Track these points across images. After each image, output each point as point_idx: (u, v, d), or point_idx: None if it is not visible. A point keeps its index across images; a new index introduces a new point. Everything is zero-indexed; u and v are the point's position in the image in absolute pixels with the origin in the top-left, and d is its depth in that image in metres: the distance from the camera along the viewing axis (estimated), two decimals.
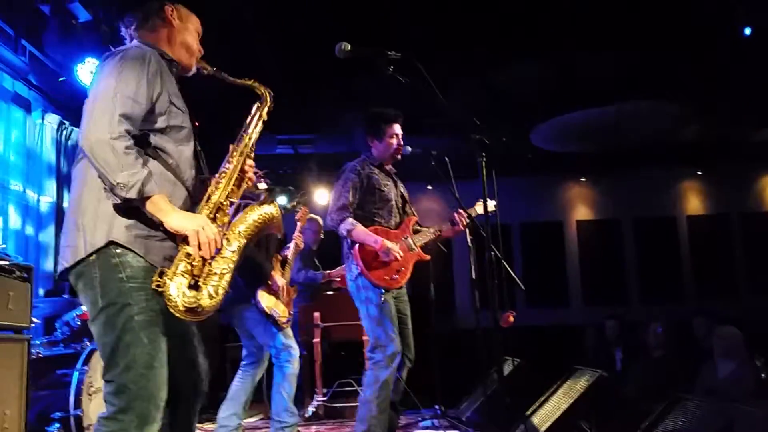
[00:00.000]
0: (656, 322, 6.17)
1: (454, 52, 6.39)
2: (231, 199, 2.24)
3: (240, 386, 4.37)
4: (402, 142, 4.02)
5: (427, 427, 5.16)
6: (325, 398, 6.16)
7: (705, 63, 6.92)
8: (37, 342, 4.13)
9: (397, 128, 4.01)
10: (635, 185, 10.74)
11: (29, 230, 5.52)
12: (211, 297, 2.02)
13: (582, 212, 11.09)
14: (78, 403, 3.78)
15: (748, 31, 6.32)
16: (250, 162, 2.33)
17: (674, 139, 9.68)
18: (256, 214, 2.25)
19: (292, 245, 4.68)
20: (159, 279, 1.98)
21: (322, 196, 8.91)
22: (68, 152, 6.06)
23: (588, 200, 11.14)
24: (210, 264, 2.05)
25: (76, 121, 6.15)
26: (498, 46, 6.47)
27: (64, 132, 6.00)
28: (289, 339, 4.30)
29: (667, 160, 10.30)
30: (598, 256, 10.79)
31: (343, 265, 4.00)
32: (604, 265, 10.77)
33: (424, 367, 5.94)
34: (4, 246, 3.50)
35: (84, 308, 4.14)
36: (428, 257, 4.06)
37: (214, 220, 2.14)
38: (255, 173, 2.39)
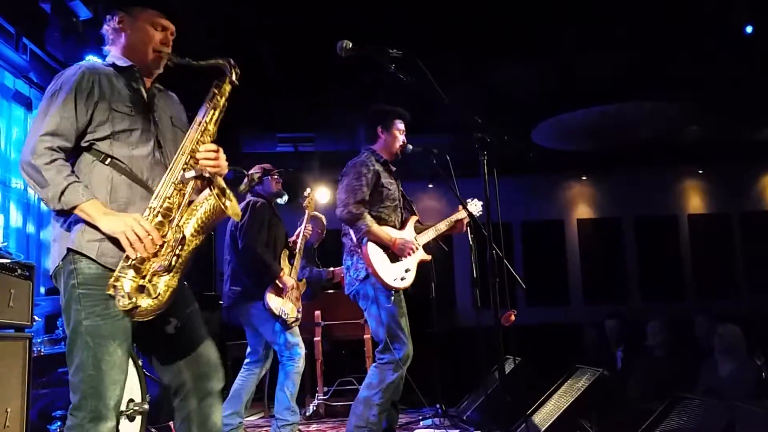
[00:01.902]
0: (653, 322, 6.17)
1: (456, 50, 6.39)
2: (181, 191, 2.17)
3: (242, 384, 4.37)
4: (405, 140, 4.02)
5: (428, 426, 5.16)
6: (325, 397, 6.17)
7: (706, 62, 6.91)
8: (39, 340, 4.12)
9: (403, 125, 4.01)
10: (636, 184, 10.73)
11: (30, 228, 5.52)
12: (151, 296, 2.05)
13: (583, 211, 11.09)
14: None
15: (749, 29, 6.32)
16: (207, 146, 2.25)
17: (675, 138, 9.68)
18: (203, 206, 2.15)
19: (300, 233, 4.68)
20: (109, 282, 2.05)
21: (323, 194, 8.91)
22: None
23: (589, 199, 11.14)
24: (154, 262, 2.07)
25: None
26: (499, 45, 6.47)
27: None
28: (296, 337, 4.30)
29: (668, 159, 10.30)
30: (599, 255, 10.79)
31: (350, 263, 3.90)
32: (605, 263, 10.77)
33: (425, 365, 5.95)
34: (5, 244, 3.49)
35: None
36: (430, 257, 4.05)
37: (166, 216, 2.13)
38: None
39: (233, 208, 2.21)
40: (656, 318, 6.25)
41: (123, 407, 3.75)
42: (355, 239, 3.77)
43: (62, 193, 2.05)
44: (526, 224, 10.74)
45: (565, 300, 10.67)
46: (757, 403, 3.14)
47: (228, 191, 2.24)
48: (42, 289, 5.31)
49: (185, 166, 2.20)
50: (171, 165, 2.21)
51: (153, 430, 4.12)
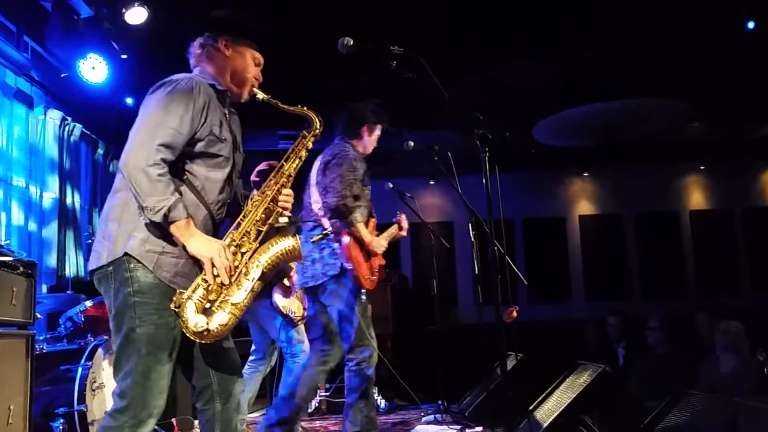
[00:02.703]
0: (653, 319, 6.16)
1: (458, 47, 6.38)
2: (259, 228, 2.31)
3: (245, 381, 4.38)
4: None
5: (429, 422, 5.16)
6: (327, 393, 6.18)
7: (708, 58, 6.90)
8: (41, 338, 4.13)
9: (380, 130, 3.98)
10: (638, 180, 10.73)
11: (32, 226, 5.53)
12: (221, 324, 2.13)
13: (585, 207, 11.08)
14: (82, 399, 3.78)
15: (751, 25, 6.30)
16: (287, 191, 2.40)
17: (677, 135, 9.67)
18: (277, 246, 2.30)
19: None
20: (177, 297, 2.11)
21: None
22: (70, 148, 6.06)
23: (591, 195, 11.13)
24: (227, 290, 2.15)
25: (78, 117, 6.15)
26: (501, 42, 6.46)
27: (67, 128, 6.00)
28: (301, 335, 4.31)
29: (670, 156, 10.28)
30: (601, 252, 10.79)
31: (318, 256, 3.71)
32: (607, 260, 10.76)
33: (426, 362, 5.97)
34: (7, 242, 3.50)
35: (88, 304, 4.16)
36: (383, 262, 3.98)
37: (239, 247, 2.23)
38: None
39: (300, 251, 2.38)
40: (657, 315, 6.25)
41: None
42: (331, 232, 3.67)
43: (170, 209, 2.07)
44: (528, 221, 10.73)
45: (567, 296, 10.67)
46: (760, 399, 3.14)
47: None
48: (44, 287, 5.32)
49: (271, 206, 2.35)
50: (254, 202, 2.33)
51: (155, 426, 4.13)
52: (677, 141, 9.83)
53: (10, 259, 3.20)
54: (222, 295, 2.15)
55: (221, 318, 2.13)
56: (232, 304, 2.15)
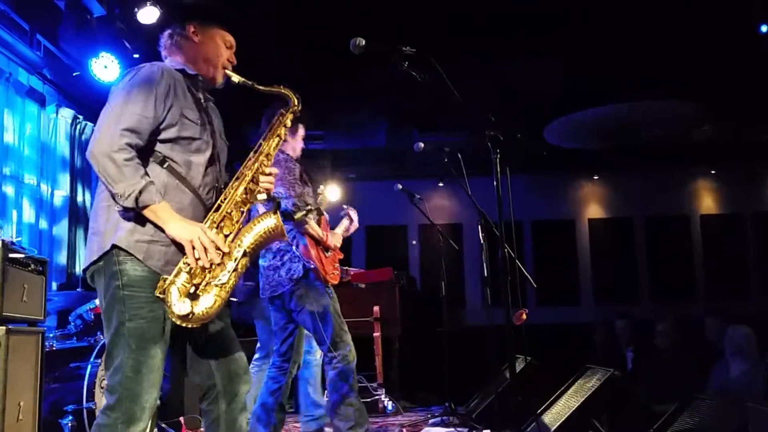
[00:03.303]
0: (661, 323, 6.14)
1: (469, 49, 6.38)
2: (241, 209, 2.27)
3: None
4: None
5: (436, 424, 5.15)
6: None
7: (720, 61, 6.87)
8: (51, 335, 4.15)
9: (304, 131, 3.95)
10: (648, 184, 10.68)
11: (43, 224, 5.56)
12: (207, 307, 2.09)
13: (594, 210, 11.05)
14: (91, 396, 3.80)
15: (764, 28, 6.27)
16: (270, 170, 2.38)
17: (688, 138, 9.63)
18: (260, 225, 2.26)
19: None
20: (160, 284, 2.06)
21: (333, 191, 8.91)
22: (82, 146, 6.09)
23: (600, 198, 11.10)
24: (210, 272, 2.11)
25: (90, 116, 6.18)
26: (512, 43, 6.45)
27: (78, 126, 6.04)
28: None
29: (680, 159, 10.24)
30: (610, 255, 10.75)
31: (279, 264, 3.66)
32: (616, 263, 10.73)
33: (434, 364, 5.96)
34: (18, 239, 3.52)
35: (97, 302, 4.18)
36: (342, 256, 3.99)
37: (221, 229, 2.19)
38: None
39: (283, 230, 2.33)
40: (666, 319, 6.22)
41: None
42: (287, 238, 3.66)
43: (140, 192, 2.05)
44: (537, 223, 10.71)
45: (576, 300, 10.64)
46: None
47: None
48: (54, 285, 5.35)
49: (251, 185, 2.31)
50: (233, 183, 2.29)
51: (163, 425, 4.14)
52: (688, 144, 9.79)
53: (22, 256, 3.22)
54: (206, 278, 2.10)
55: (206, 301, 2.08)
56: (217, 286, 2.11)
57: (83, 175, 6.08)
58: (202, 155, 2.28)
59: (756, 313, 8.61)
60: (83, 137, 6.11)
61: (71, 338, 4.27)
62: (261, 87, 2.47)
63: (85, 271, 2.22)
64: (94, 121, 6.20)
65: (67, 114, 5.89)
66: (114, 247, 2.11)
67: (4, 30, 4.89)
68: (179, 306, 2.05)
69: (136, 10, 5.31)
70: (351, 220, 4.12)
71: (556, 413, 4.06)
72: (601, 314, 9.35)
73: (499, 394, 4.79)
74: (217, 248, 2.11)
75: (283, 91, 2.52)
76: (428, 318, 7.61)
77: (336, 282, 3.76)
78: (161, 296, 2.06)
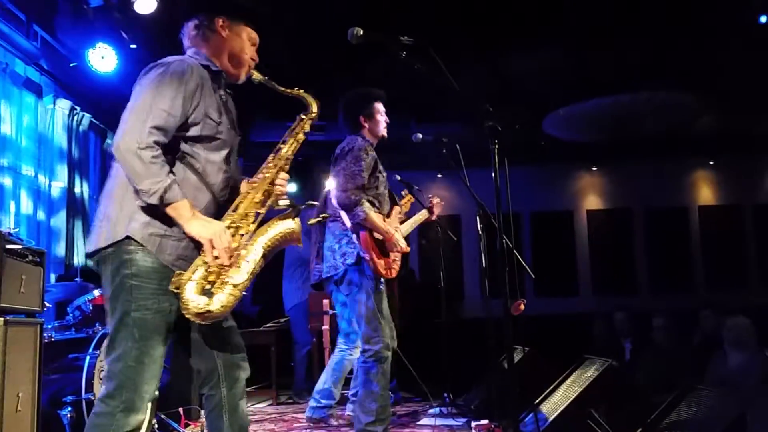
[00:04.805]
0: (657, 315, 6.15)
1: (468, 39, 6.36)
2: (258, 210, 2.29)
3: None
4: (388, 120, 3.96)
5: (435, 415, 5.16)
6: None
7: (720, 52, 6.85)
8: (50, 326, 4.15)
9: (382, 106, 3.94)
10: (647, 175, 10.69)
11: (41, 215, 5.55)
12: (222, 305, 2.10)
13: (593, 201, 11.05)
14: (89, 387, 3.80)
15: (764, 19, 6.25)
16: (283, 175, 2.37)
17: (687, 130, 9.62)
18: (277, 228, 2.28)
19: None
20: (175, 279, 2.08)
21: (332, 184, 8.88)
22: (79, 137, 6.07)
23: (599, 189, 11.10)
24: (226, 272, 2.13)
25: (87, 107, 6.16)
26: (511, 33, 6.42)
27: (76, 117, 6.01)
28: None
29: (679, 150, 10.23)
30: (609, 246, 10.77)
31: (337, 247, 3.80)
32: (614, 254, 10.74)
33: (433, 355, 5.96)
34: (16, 230, 3.50)
35: (96, 293, 4.17)
36: (408, 249, 4.03)
37: (237, 229, 2.21)
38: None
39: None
40: (664, 310, 6.23)
41: None
42: (348, 225, 3.73)
43: (165, 190, 2.06)
44: (536, 214, 10.71)
45: (574, 291, 10.65)
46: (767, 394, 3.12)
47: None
48: (52, 276, 5.34)
49: (269, 188, 2.32)
50: (252, 185, 2.31)
51: (162, 416, 4.15)
52: (687, 136, 9.78)
53: (20, 247, 3.21)
54: (222, 277, 2.12)
55: (221, 299, 2.10)
56: (233, 285, 2.12)
57: (81, 166, 6.06)
58: (220, 153, 2.30)
59: (755, 303, 8.62)
60: (81, 128, 6.09)
61: (70, 329, 4.26)
62: (281, 89, 2.47)
63: (90, 254, 2.22)
64: (92, 111, 6.22)
65: (64, 105, 5.86)
66: (127, 237, 2.12)
67: (1, 20, 4.86)
68: (196, 303, 2.07)
69: (133, 0, 5.28)
70: (431, 213, 4.14)
71: (555, 403, 4.07)
72: (599, 305, 9.37)
73: (497, 384, 4.80)
74: (233, 250, 2.13)
75: (302, 94, 2.52)
76: (427, 309, 7.63)
77: (391, 276, 3.78)
78: (176, 291, 2.07)
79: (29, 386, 3.16)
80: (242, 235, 2.21)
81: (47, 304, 3.61)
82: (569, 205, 11.01)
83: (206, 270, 2.11)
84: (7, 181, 5.08)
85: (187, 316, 2.09)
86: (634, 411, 3.80)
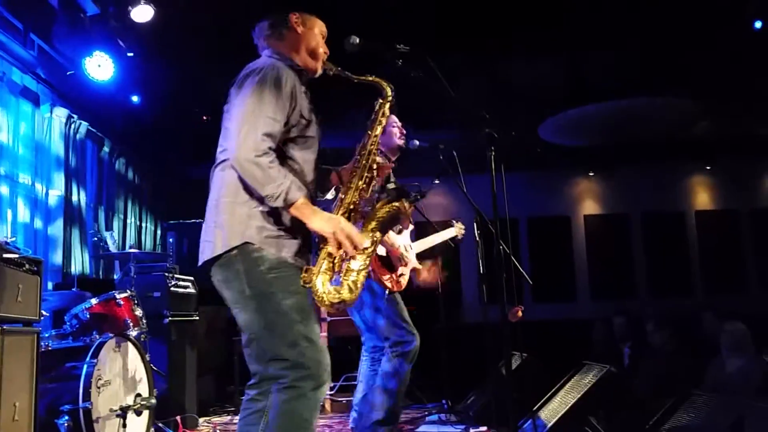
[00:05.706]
0: (651, 321, 6.14)
1: (464, 46, 6.37)
2: (364, 197, 2.38)
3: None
4: (404, 131, 3.97)
5: (433, 422, 5.15)
6: (331, 392, 6.16)
7: (715, 57, 6.87)
8: (47, 335, 4.13)
9: (393, 117, 3.95)
10: (644, 180, 10.71)
11: (38, 224, 5.54)
12: (351, 291, 2.24)
13: (590, 207, 11.06)
14: (87, 396, 3.78)
15: (758, 24, 6.28)
16: (378, 159, 2.45)
17: (683, 135, 9.64)
18: (385, 209, 2.37)
19: None
20: (305, 275, 2.19)
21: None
22: (76, 146, 6.07)
23: (596, 195, 11.11)
24: (349, 261, 2.25)
25: (84, 115, 6.16)
26: (508, 40, 6.44)
27: (73, 126, 6.01)
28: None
29: (675, 155, 10.25)
30: (606, 251, 10.77)
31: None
32: (612, 260, 10.75)
33: (431, 361, 5.95)
34: (13, 239, 3.50)
35: (93, 301, 4.15)
36: (421, 267, 4.05)
37: (348, 219, 2.29)
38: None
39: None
40: (661, 315, 6.23)
41: (131, 402, 3.77)
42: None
43: (287, 191, 2.13)
44: (533, 220, 10.72)
45: (572, 296, 10.65)
46: (766, 400, 3.12)
47: None
48: (49, 285, 5.33)
49: (368, 174, 2.40)
50: (353, 174, 2.40)
51: (160, 424, 4.13)
52: (683, 141, 9.80)
53: (16, 256, 3.20)
54: (345, 267, 2.24)
55: (350, 287, 2.23)
56: (356, 271, 2.25)
57: (78, 174, 6.06)
58: (311, 152, 2.39)
59: (753, 308, 8.63)
60: (78, 136, 6.09)
61: (67, 338, 4.24)
62: (356, 77, 2.52)
63: (211, 261, 2.26)
64: (89, 120, 6.22)
65: (61, 113, 5.87)
66: (245, 243, 2.20)
67: None
68: (331, 294, 2.20)
69: (129, 8, 5.29)
70: (454, 236, 4.15)
71: (553, 409, 4.06)
72: (597, 310, 9.37)
73: (495, 391, 4.79)
74: (354, 239, 2.20)
75: (376, 80, 2.56)
76: (425, 315, 7.61)
77: (399, 290, 3.79)
78: (308, 286, 2.18)
79: (26, 395, 3.15)
80: (354, 224, 2.29)
81: (44, 313, 3.60)
82: (566, 211, 11.03)
83: (331, 262, 2.22)
84: (4, 190, 5.08)
85: (322, 307, 2.20)
86: (632, 417, 3.80)
